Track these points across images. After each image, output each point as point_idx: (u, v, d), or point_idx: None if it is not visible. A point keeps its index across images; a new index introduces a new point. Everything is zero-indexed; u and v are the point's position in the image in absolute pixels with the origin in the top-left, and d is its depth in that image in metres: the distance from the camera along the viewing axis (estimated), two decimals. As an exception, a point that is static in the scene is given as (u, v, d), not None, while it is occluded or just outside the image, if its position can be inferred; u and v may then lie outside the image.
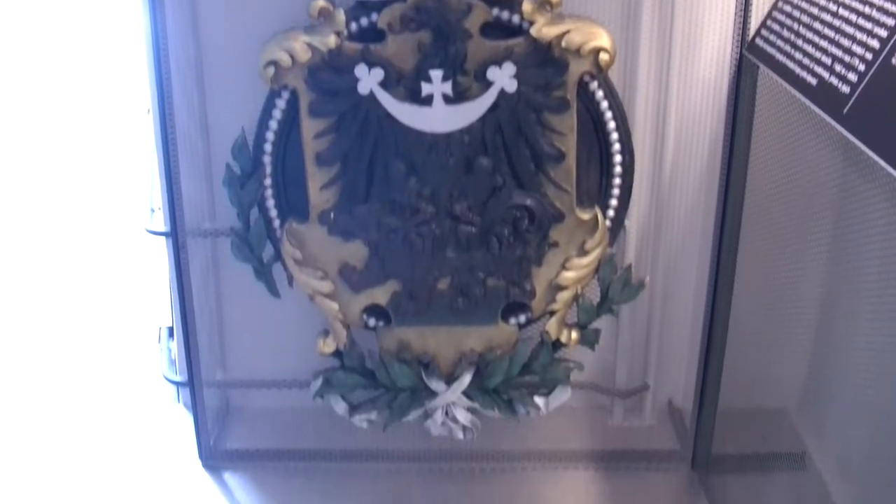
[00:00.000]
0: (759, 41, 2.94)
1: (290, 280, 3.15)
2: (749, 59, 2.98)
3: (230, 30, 3.05)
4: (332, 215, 3.02)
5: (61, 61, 6.60)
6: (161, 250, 3.52)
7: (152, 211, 3.53)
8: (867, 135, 2.33)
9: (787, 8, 2.85)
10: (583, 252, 3.08)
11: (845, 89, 2.45)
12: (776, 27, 2.88)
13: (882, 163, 2.20)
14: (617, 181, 3.04)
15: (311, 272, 3.11)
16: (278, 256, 3.15)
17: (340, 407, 3.31)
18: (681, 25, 3.05)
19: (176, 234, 3.22)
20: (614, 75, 3.01)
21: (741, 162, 3.10)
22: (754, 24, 2.98)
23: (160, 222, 3.42)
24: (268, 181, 3.05)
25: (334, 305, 3.15)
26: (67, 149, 6.03)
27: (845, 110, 2.43)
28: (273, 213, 3.10)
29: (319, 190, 3.00)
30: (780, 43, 2.83)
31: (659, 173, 3.24)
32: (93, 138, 6.09)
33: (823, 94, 2.55)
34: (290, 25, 2.91)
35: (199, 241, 3.32)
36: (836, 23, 2.59)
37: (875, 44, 2.39)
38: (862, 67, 2.42)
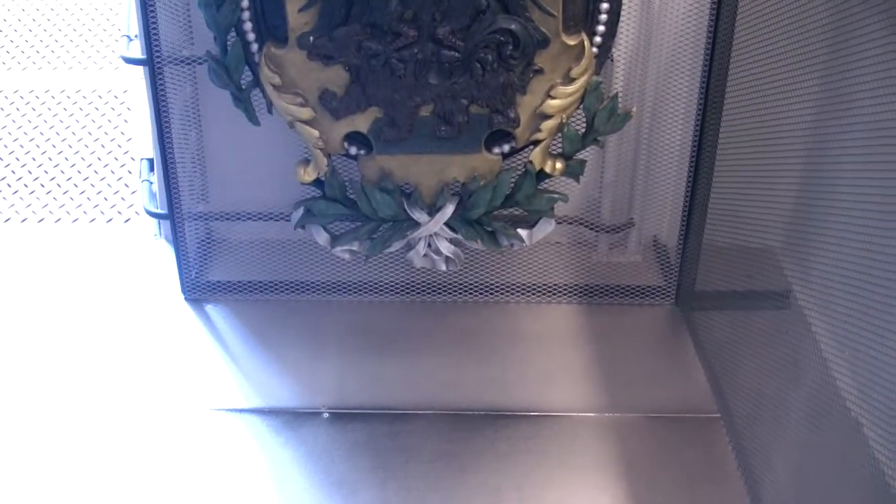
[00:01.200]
0: None
1: (270, 107, 3.09)
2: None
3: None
4: (311, 38, 2.93)
5: None
6: (140, 80, 3.44)
7: (129, 39, 3.43)
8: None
9: None
10: (568, 79, 3.01)
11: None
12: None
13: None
14: (605, 6, 2.94)
15: (291, 98, 3.03)
16: (257, 82, 3.07)
17: (322, 237, 3.28)
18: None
19: (153, 62, 3.16)
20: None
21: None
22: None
23: (137, 50, 3.33)
24: (245, 3, 2.95)
25: (314, 132, 3.08)
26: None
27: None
28: (251, 36, 3.00)
29: (298, 12, 2.90)
30: None
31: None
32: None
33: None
34: None
35: (177, 69, 3.25)
36: None
37: None
38: None
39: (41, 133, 4.42)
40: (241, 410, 3.19)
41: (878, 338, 2.28)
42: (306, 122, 3.07)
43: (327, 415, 3.15)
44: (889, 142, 2.29)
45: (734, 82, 3.12)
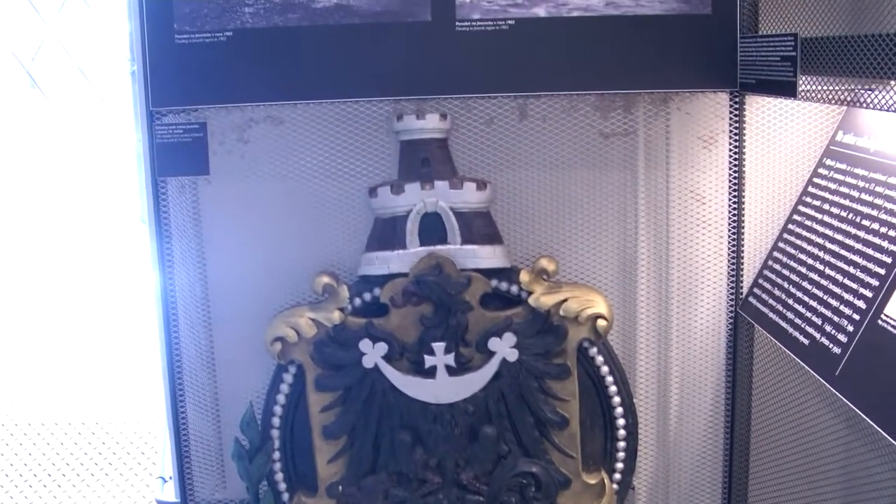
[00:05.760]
0: (752, 299, 3.03)
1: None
2: (743, 317, 3.05)
3: (238, 308, 3.14)
4: (340, 487, 3.04)
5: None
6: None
7: (163, 480, 3.54)
8: (861, 398, 2.37)
9: (777, 266, 2.95)
10: (591, 515, 3.07)
11: (836, 350, 2.51)
12: (767, 286, 2.97)
13: (877, 428, 2.23)
14: (622, 444, 3.07)
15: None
16: (288, 528, 3.14)
17: None
18: (676, 286, 3.15)
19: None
20: (613, 336, 3.10)
21: (744, 419, 3.14)
22: (747, 279, 3.09)
23: (171, 492, 3.42)
24: (276, 455, 3.08)
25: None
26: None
27: (838, 371, 2.48)
28: (282, 486, 3.11)
29: (327, 463, 3.03)
30: (772, 302, 2.91)
31: (664, 432, 3.26)
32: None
33: (816, 355, 2.60)
34: (296, 300, 3.04)
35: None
36: (824, 282, 2.68)
37: (861, 304, 2.47)
38: (850, 328, 2.49)
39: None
40: None
41: None
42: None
43: None
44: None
45: (754, 499, 3.17)
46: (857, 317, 2.48)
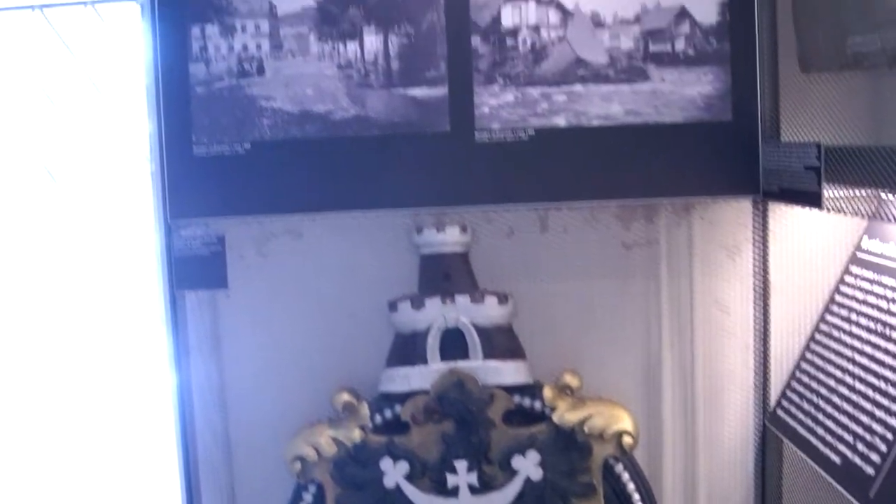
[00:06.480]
0: (780, 412, 2.96)
1: None
2: (772, 431, 2.99)
3: (256, 423, 3.11)
4: None
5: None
6: None
7: None
8: (898, 524, 2.30)
9: (805, 378, 2.89)
10: None
11: (870, 471, 2.45)
12: (795, 398, 2.91)
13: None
14: (646, 564, 2.99)
15: None
16: None
17: None
18: (702, 398, 3.10)
19: None
20: (639, 450, 3.03)
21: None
22: (774, 390, 3.02)
23: None
24: None
25: None
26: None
27: (872, 493, 2.41)
28: None
29: (347, 582, 2.96)
30: (800, 415, 2.85)
31: (692, 548, 3.18)
32: None
33: (848, 475, 2.54)
34: (315, 415, 2.99)
35: None
36: (854, 397, 2.62)
37: (894, 422, 2.41)
38: (884, 448, 2.42)
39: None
40: None
41: None
42: None
43: None
44: None
45: None
46: (890, 436, 2.42)
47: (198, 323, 3.07)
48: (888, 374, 2.50)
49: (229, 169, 2.91)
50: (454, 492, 2.88)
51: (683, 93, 2.87)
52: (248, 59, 2.90)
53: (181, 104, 2.90)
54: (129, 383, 3.53)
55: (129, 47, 3.24)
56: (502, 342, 2.92)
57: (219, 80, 2.89)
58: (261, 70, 2.90)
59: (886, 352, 2.54)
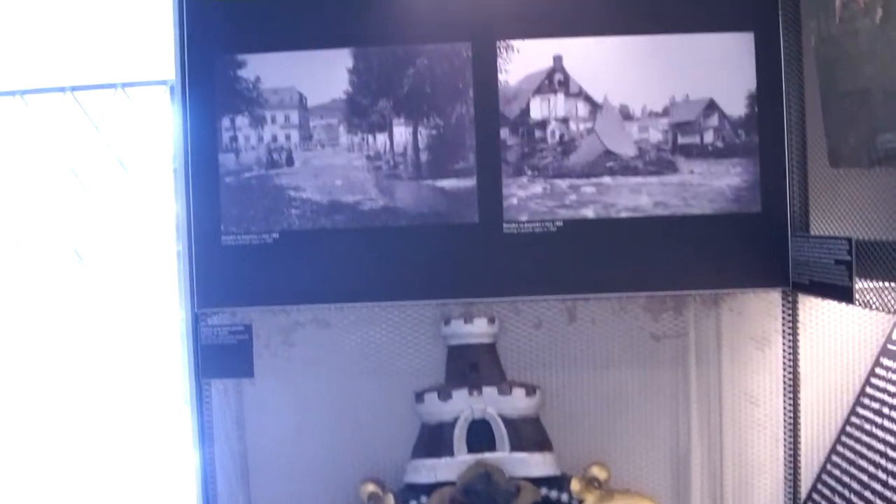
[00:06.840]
0: (811, 508, 2.93)
1: None
2: (803, 528, 2.95)
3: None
4: None
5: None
6: None
7: None
8: None
9: (836, 472, 2.86)
10: None
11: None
12: (827, 492, 2.87)
13: None
14: None
15: None
16: None
17: None
18: (731, 492, 3.05)
19: None
20: (668, 545, 3.00)
21: None
22: (805, 484, 2.98)
23: None
24: None
25: None
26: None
27: None
28: None
29: None
30: (833, 513, 2.81)
31: None
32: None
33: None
34: (341, 505, 2.97)
35: None
36: (888, 493, 2.58)
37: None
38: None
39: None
40: None
41: None
42: None
43: None
44: None
45: None
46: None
47: (223, 409, 3.06)
48: (922, 469, 2.48)
49: (257, 258, 2.92)
50: (480, 588, 2.84)
51: (712, 184, 2.87)
52: (277, 150, 2.92)
53: (210, 194, 2.92)
54: (154, 468, 3.51)
55: (158, 128, 3.28)
56: (529, 434, 2.90)
57: (248, 170, 2.91)
58: (290, 161, 2.92)
59: (920, 446, 2.52)
